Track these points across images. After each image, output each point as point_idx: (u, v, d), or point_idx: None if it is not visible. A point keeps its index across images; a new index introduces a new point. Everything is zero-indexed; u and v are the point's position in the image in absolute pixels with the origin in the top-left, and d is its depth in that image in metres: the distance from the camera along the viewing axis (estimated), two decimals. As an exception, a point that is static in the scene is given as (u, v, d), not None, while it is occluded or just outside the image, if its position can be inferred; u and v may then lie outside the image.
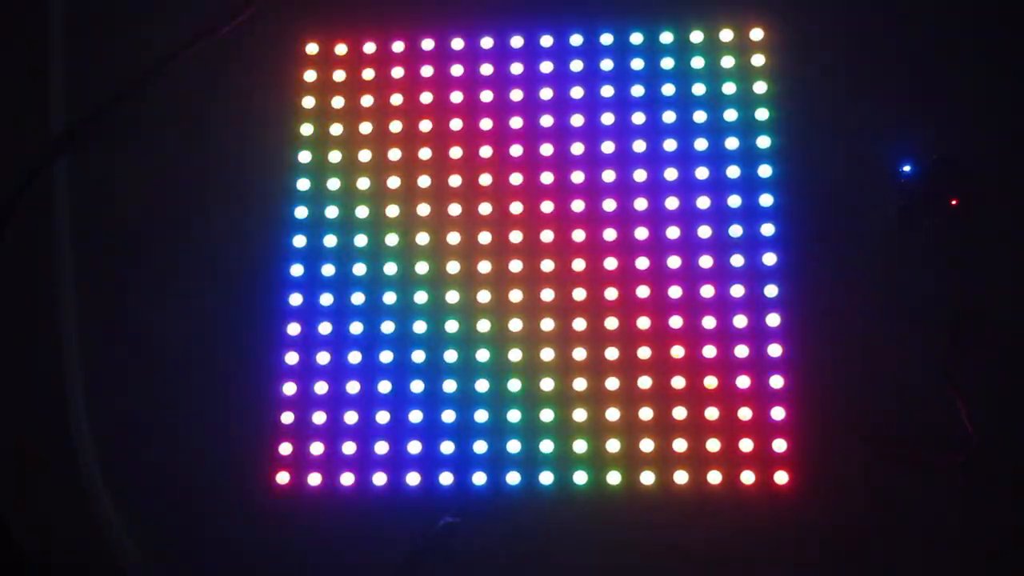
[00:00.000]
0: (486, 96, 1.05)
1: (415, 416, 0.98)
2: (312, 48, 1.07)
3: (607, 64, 1.04)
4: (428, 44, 1.06)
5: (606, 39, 1.05)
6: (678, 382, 0.97)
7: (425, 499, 0.97)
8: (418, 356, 0.99)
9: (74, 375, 1.01)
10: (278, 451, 0.98)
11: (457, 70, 1.05)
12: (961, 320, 0.97)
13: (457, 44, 1.06)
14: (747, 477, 0.95)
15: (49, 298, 1.02)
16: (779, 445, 0.95)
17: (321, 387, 0.99)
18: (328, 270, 1.02)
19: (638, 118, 1.03)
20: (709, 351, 0.97)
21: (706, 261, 0.99)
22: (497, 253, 1.01)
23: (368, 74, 1.06)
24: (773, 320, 0.98)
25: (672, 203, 1.01)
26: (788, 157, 1.01)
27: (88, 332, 1.02)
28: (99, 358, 1.02)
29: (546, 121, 1.03)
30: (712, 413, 0.96)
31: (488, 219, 1.02)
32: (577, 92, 1.04)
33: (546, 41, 1.05)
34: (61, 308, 1.02)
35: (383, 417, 0.98)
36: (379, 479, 0.97)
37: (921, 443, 0.95)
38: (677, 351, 0.97)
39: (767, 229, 1.00)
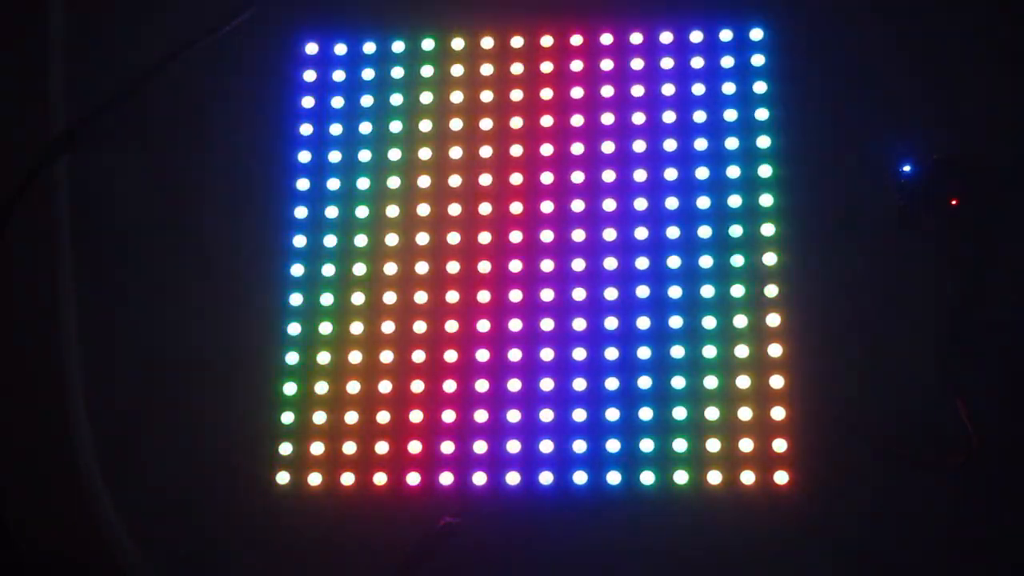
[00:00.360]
0: (486, 96, 1.05)
1: (415, 416, 0.98)
2: (312, 48, 1.07)
3: (607, 64, 1.04)
4: (428, 44, 1.06)
5: (606, 39, 1.05)
6: (678, 382, 0.97)
7: (425, 499, 0.97)
8: (418, 356, 0.99)
9: (74, 375, 1.01)
10: (278, 451, 0.98)
11: (457, 70, 1.05)
12: (961, 320, 0.97)
13: (457, 44, 1.06)
14: (747, 477, 0.95)
15: (49, 298, 1.02)
16: (779, 445, 0.95)
17: (321, 387, 0.99)
18: (328, 270, 1.02)
19: (638, 118, 1.03)
20: (709, 351, 0.97)
21: (706, 261, 0.99)
22: (497, 253, 1.01)
23: (368, 74, 1.06)
24: (773, 320, 0.98)
25: (672, 203, 1.01)
26: (788, 157, 1.01)
27: (88, 332, 1.02)
28: (99, 358, 1.02)
29: (546, 121, 1.03)
30: (712, 413, 0.96)
31: (488, 219, 1.02)
32: (577, 92, 1.04)
33: (546, 41, 1.05)
34: (61, 308, 1.02)
35: (384, 417, 0.98)
36: (379, 479, 0.97)
37: (921, 443, 0.95)
38: (677, 351, 0.98)
39: (767, 229, 1.00)
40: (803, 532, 0.94)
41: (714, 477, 0.95)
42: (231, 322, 1.01)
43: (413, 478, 0.97)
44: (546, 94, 1.04)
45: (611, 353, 0.98)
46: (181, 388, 1.00)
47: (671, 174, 1.01)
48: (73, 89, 1.07)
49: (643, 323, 0.98)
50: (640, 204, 1.01)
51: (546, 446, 0.97)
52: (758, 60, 1.03)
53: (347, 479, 0.97)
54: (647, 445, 0.96)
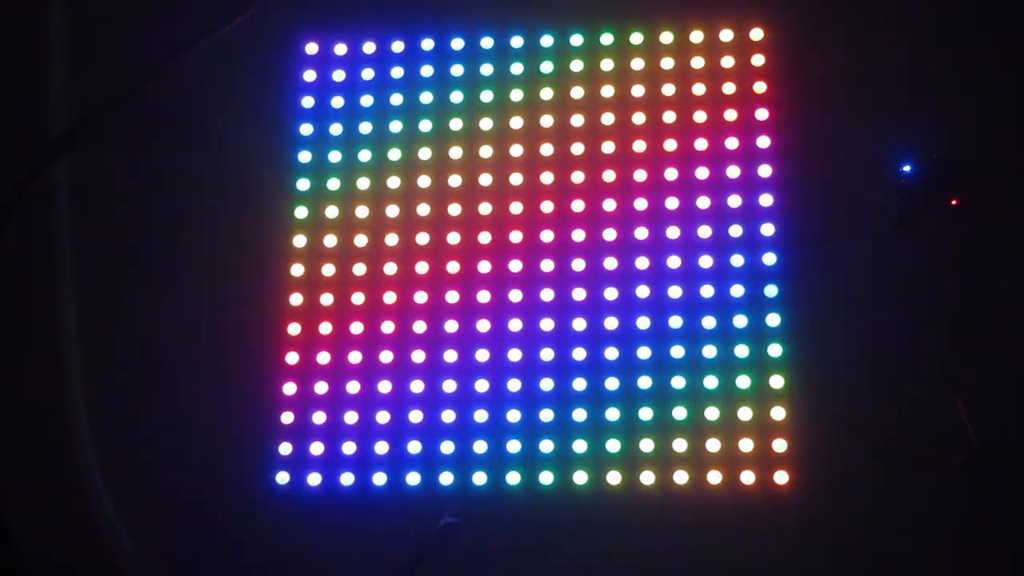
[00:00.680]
0: (486, 96, 1.05)
1: (415, 416, 0.98)
2: (312, 48, 1.07)
3: (607, 64, 1.04)
4: (428, 44, 1.06)
5: (606, 39, 1.05)
6: (678, 382, 0.97)
7: (425, 499, 0.97)
8: (418, 356, 0.99)
9: (74, 375, 1.01)
10: (278, 451, 0.98)
11: (457, 70, 1.05)
12: (961, 320, 0.97)
13: (457, 44, 1.06)
14: (747, 477, 0.95)
15: (49, 298, 1.02)
16: (779, 445, 0.95)
17: (321, 387, 0.99)
18: (328, 270, 1.02)
19: (638, 118, 1.03)
20: (709, 351, 0.97)
21: (706, 261, 0.99)
22: (497, 253, 1.01)
23: (368, 74, 1.06)
24: (773, 320, 0.98)
25: (672, 203, 1.01)
26: (788, 157, 1.01)
27: (88, 332, 1.02)
28: (99, 358, 1.02)
29: (546, 121, 1.04)
30: (712, 413, 0.96)
31: (488, 219, 1.02)
32: (577, 92, 1.04)
33: (546, 41, 1.05)
34: (61, 308, 1.02)
35: (383, 417, 0.98)
36: (379, 479, 0.97)
37: (921, 443, 0.95)
38: (677, 351, 0.98)
39: (767, 229, 1.00)
40: (803, 532, 0.94)
41: (714, 477, 0.95)
42: (231, 322, 1.01)
43: (413, 478, 0.97)
44: (546, 94, 1.04)
45: (611, 353, 0.98)
46: (181, 388, 1.00)
47: (671, 174, 1.01)
48: (73, 89, 1.07)
49: (643, 323, 0.98)
50: (640, 204, 1.01)
51: (546, 446, 0.97)
52: (758, 60, 1.03)
53: (347, 479, 0.97)
54: (647, 445, 0.96)
